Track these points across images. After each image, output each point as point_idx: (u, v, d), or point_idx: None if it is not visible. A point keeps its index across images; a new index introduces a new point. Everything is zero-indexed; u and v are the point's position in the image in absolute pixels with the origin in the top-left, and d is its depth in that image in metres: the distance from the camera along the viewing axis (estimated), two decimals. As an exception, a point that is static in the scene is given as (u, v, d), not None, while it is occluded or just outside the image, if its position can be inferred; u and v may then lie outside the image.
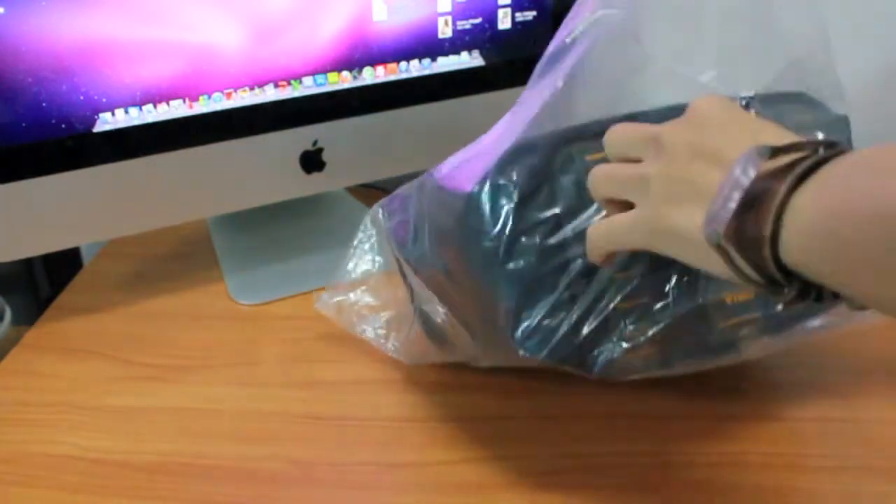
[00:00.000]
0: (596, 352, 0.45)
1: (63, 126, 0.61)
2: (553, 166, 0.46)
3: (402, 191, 0.55)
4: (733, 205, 0.33)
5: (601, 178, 0.42)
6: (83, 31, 0.58)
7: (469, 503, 0.50)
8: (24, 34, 0.56)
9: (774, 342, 0.52)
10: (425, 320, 0.55)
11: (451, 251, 0.47)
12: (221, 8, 0.62)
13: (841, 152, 0.33)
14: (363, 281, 0.61)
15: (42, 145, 0.61)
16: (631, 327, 0.45)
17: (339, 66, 0.70)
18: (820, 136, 0.34)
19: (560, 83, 0.46)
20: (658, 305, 0.45)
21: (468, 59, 0.75)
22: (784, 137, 0.35)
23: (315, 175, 0.74)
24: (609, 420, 0.56)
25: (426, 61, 0.73)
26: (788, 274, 0.33)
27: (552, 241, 0.45)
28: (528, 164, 0.45)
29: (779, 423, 0.56)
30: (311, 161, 0.74)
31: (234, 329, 0.68)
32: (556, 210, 0.45)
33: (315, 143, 0.73)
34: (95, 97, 0.61)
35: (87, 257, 0.89)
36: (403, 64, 0.72)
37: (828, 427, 0.56)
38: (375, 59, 0.71)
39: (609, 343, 0.45)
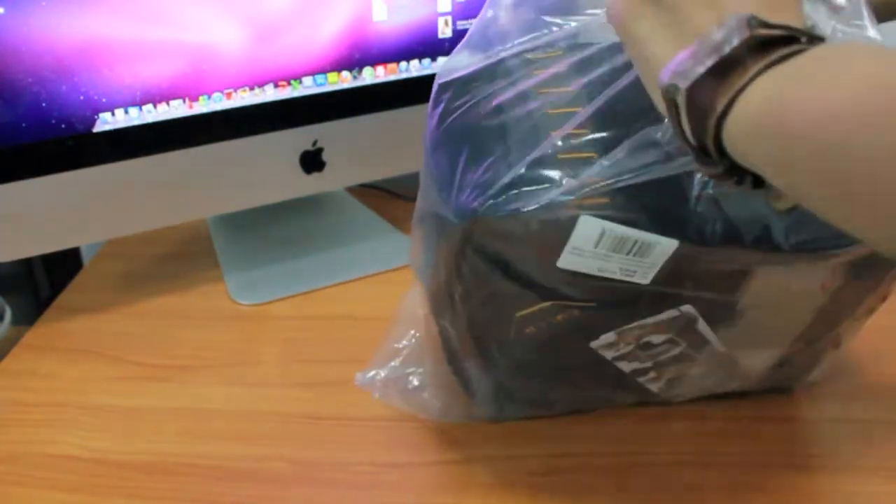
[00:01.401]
0: (535, 199, 0.42)
1: (63, 126, 0.61)
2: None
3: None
4: (702, 69, 0.31)
5: None
6: (83, 32, 0.58)
7: (469, 503, 0.50)
8: (24, 34, 0.56)
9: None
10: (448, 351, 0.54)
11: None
12: (221, 8, 0.62)
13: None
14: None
15: (42, 145, 0.61)
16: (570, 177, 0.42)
17: (339, 66, 0.70)
18: (809, 24, 0.32)
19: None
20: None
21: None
22: (784, 9, 0.33)
23: (315, 175, 0.74)
24: (609, 420, 0.56)
25: (426, 61, 0.73)
26: (723, 152, 0.32)
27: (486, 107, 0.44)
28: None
29: (778, 423, 0.56)
30: (311, 161, 0.74)
31: (234, 329, 0.68)
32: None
33: (315, 143, 0.73)
34: (95, 97, 0.61)
35: (87, 257, 0.89)
36: (403, 64, 0.72)
37: (828, 427, 0.56)
38: (375, 59, 0.71)
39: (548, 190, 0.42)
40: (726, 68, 0.31)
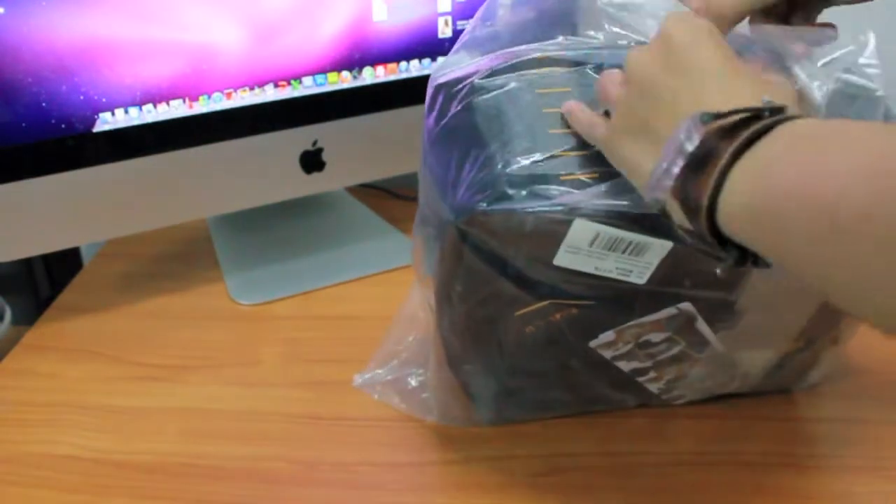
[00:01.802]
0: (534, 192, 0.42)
1: (63, 126, 0.61)
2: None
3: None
4: (676, 170, 0.33)
5: (601, 79, 0.42)
6: (83, 31, 0.58)
7: (469, 503, 0.50)
8: (24, 34, 0.56)
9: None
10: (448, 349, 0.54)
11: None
12: (221, 8, 0.62)
13: (786, 119, 0.32)
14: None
15: (42, 145, 0.61)
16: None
17: (339, 66, 0.70)
18: (766, 99, 0.34)
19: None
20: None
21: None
22: (735, 98, 0.34)
23: (315, 175, 0.74)
24: (609, 420, 0.56)
25: (426, 61, 0.73)
26: (725, 240, 0.34)
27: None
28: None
29: (779, 423, 0.56)
30: (311, 161, 0.74)
31: (234, 329, 0.68)
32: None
33: (315, 143, 0.73)
34: (95, 97, 0.61)
35: (87, 257, 0.89)
36: (403, 64, 0.72)
37: (828, 427, 0.56)
38: (375, 59, 0.71)
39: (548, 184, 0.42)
40: (699, 165, 0.32)
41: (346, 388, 0.60)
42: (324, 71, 0.69)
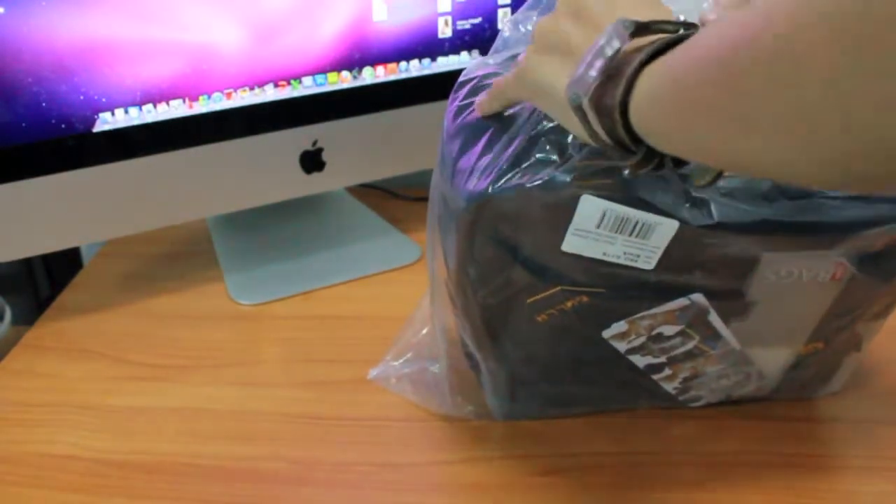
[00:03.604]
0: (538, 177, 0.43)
1: (63, 126, 0.61)
2: None
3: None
4: (594, 73, 0.34)
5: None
6: (83, 31, 0.58)
7: (469, 503, 0.50)
8: (24, 34, 0.56)
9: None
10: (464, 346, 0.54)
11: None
12: (221, 8, 0.62)
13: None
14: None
15: (42, 145, 0.61)
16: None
17: (339, 66, 0.70)
18: (682, 17, 0.35)
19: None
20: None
21: (468, 59, 0.75)
22: (657, 14, 0.36)
23: (315, 175, 0.74)
24: (609, 420, 0.56)
25: (426, 61, 0.73)
26: (638, 141, 0.35)
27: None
28: None
29: (779, 423, 0.56)
30: (311, 161, 0.74)
31: (234, 329, 0.68)
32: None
33: (315, 143, 0.73)
34: (95, 97, 0.61)
35: (87, 257, 0.89)
36: (403, 64, 0.72)
37: (828, 427, 0.56)
38: (375, 59, 0.71)
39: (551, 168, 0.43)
40: (616, 68, 0.34)
41: (346, 388, 0.60)
42: (324, 71, 0.69)
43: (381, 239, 0.81)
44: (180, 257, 0.80)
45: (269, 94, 0.68)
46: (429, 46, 0.73)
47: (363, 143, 0.75)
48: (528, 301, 0.47)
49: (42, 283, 1.00)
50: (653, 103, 0.33)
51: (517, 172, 0.42)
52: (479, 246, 0.45)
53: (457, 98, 0.48)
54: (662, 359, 0.51)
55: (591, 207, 0.42)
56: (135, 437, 0.56)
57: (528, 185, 0.42)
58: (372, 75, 0.72)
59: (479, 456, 0.54)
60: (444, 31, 0.73)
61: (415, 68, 0.73)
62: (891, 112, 0.22)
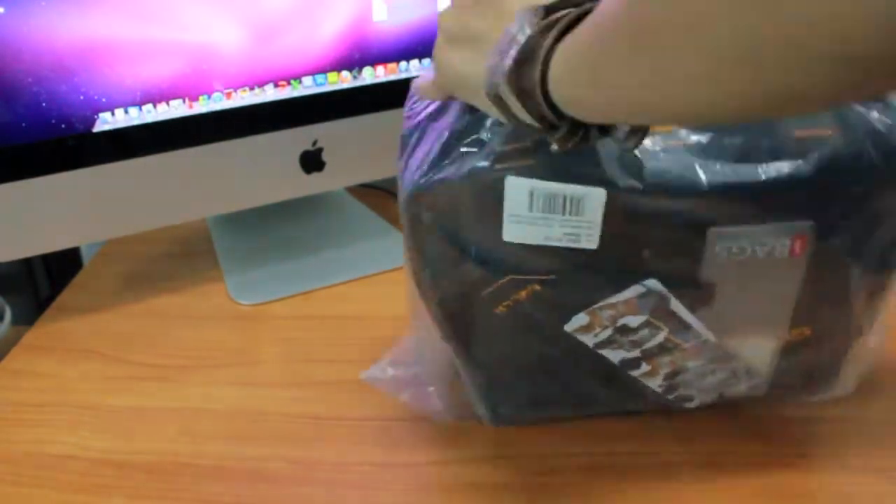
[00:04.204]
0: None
1: (63, 126, 0.61)
2: None
3: None
4: (509, 61, 0.35)
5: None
6: (83, 31, 0.58)
7: (469, 503, 0.50)
8: (24, 34, 0.56)
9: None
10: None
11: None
12: (221, 8, 0.62)
13: None
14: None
15: (42, 145, 0.61)
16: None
17: (338, 66, 0.70)
18: None
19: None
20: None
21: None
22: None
23: (315, 175, 0.74)
24: (609, 420, 0.56)
25: (426, 61, 0.73)
26: (562, 116, 0.36)
27: None
28: None
29: (779, 423, 0.56)
30: (311, 161, 0.74)
31: (234, 329, 0.68)
32: None
33: (315, 143, 0.73)
34: (95, 97, 0.61)
35: (87, 257, 0.89)
36: (403, 64, 0.72)
37: (828, 427, 0.56)
38: (375, 59, 0.71)
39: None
40: (530, 51, 0.35)
41: (345, 388, 0.60)
42: (324, 71, 0.69)
43: (381, 239, 0.81)
44: (180, 257, 0.80)
45: (269, 94, 0.68)
46: (429, 46, 0.72)
47: (363, 143, 0.75)
48: (483, 294, 0.48)
49: (42, 283, 1.00)
50: (570, 75, 0.34)
51: (444, 166, 0.44)
52: (428, 242, 0.47)
53: (409, 105, 0.50)
54: (636, 353, 0.51)
55: (517, 189, 0.43)
56: (135, 437, 0.56)
57: (452, 178, 0.43)
58: (372, 75, 0.72)
59: (477, 456, 0.54)
60: (444, 31, 0.72)
61: (415, 68, 0.73)
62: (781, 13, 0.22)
